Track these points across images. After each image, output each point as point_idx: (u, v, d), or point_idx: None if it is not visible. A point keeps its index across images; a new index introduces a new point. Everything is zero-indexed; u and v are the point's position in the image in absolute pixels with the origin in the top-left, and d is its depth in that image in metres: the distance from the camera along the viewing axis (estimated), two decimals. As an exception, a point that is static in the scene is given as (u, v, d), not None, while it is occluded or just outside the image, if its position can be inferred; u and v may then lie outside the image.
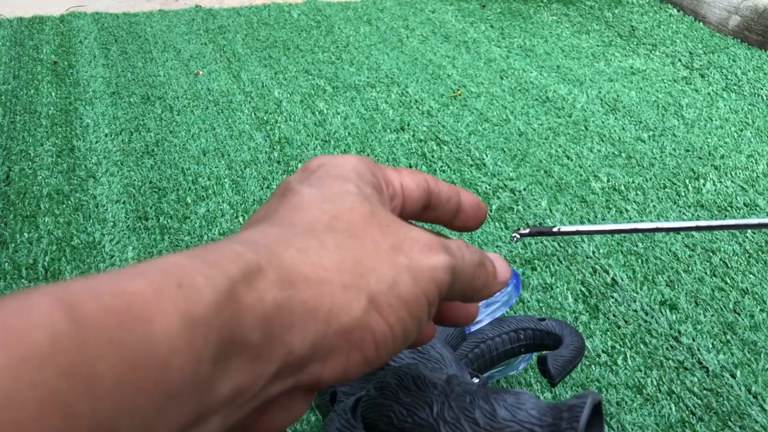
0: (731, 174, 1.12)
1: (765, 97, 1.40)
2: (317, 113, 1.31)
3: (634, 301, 0.83)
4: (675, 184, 1.09)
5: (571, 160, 1.16)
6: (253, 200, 1.03)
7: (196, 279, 0.18)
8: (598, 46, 1.68)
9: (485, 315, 0.60)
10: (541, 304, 0.83)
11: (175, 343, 0.17)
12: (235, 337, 0.19)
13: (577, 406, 0.36)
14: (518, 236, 0.44)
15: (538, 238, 0.95)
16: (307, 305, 0.21)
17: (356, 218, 0.25)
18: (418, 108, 1.34)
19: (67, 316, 0.15)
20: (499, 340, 0.58)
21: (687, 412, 0.69)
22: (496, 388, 0.41)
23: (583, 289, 0.85)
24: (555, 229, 0.37)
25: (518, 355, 0.61)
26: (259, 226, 0.24)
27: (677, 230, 0.34)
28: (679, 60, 1.59)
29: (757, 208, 1.03)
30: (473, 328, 0.58)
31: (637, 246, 0.94)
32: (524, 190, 1.06)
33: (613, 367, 0.74)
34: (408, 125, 1.27)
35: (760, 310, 0.83)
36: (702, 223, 0.33)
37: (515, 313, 0.82)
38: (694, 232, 0.97)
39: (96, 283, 0.17)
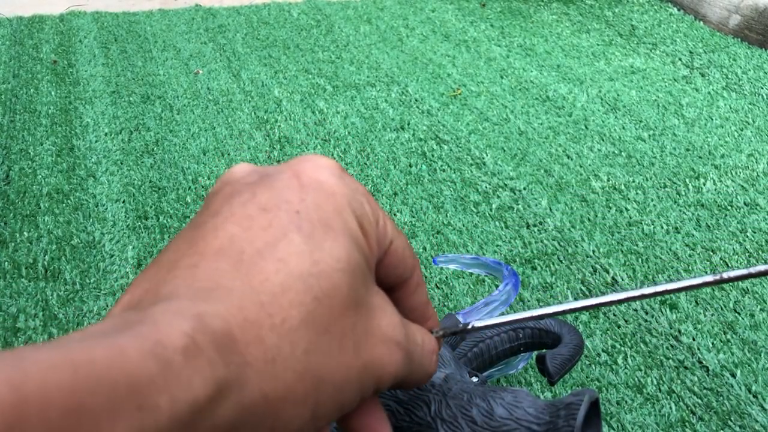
0: (731, 173, 1.12)
1: (765, 97, 1.40)
2: (317, 112, 1.31)
3: (634, 301, 0.83)
4: (675, 183, 1.09)
5: (572, 160, 1.16)
6: (253, 199, 1.03)
7: (160, 401, 0.16)
8: (598, 45, 1.67)
9: (484, 314, 0.59)
10: (541, 303, 0.83)
11: None
12: None
13: (574, 403, 0.36)
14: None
15: (536, 234, 0.95)
16: (255, 426, 0.19)
17: (336, 305, 0.21)
18: (418, 107, 1.34)
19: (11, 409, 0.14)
20: (498, 339, 0.58)
21: (687, 412, 0.69)
22: (494, 387, 0.41)
23: (583, 288, 0.85)
24: (470, 326, 0.37)
25: (517, 354, 0.61)
26: (229, 292, 0.20)
27: (599, 306, 0.33)
28: (680, 59, 1.59)
29: (758, 207, 1.03)
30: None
31: (637, 245, 0.94)
32: (524, 189, 1.06)
33: (613, 367, 0.74)
34: (408, 124, 1.27)
35: (760, 309, 0.83)
36: (634, 293, 0.31)
37: (514, 311, 0.82)
38: (694, 232, 0.97)
39: (50, 374, 0.15)
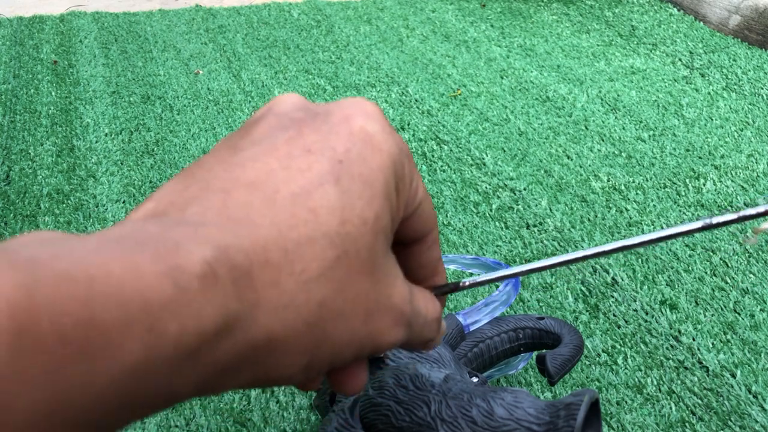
0: (731, 173, 1.12)
1: (765, 97, 1.40)
2: (317, 113, 1.31)
3: (635, 301, 0.83)
4: (675, 183, 1.09)
5: (572, 160, 1.16)
6: (253, 200, 1.03)
7: (170, 326, 0.16)
8: (598, 45, 1.67)
9: (484, 314, 0.59)
10: (541, 304, 0.83)
11: (126, 382, 0.16)
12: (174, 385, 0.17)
13: (574, 403, 0.36)
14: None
15: (536, 234, 0.95)
16: (252, 366, 0.19)
17: (354, 267, 0.21)
18: (418, 107, 1.34)
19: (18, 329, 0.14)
20: (498, 340, 0.58)
21: (687, 412, 0.69)
22: (494, 387, 0.41)
23: (583, 288, 0.85)
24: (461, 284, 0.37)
25: (518, 354, 0.61)
26: (256, 229, 0.20)
27: (581, 260, 0.33)
28: (680, 59, 1.59)
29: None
30: (472, 328, 0.58)
31: (637, 245, 0.94)
32: (524, 189, 1.06)
33: (614, 367, 0.74)
34: (408, 125, 1.27)
35: (760, 309, 0.83)
36: (616, 244, 0.31)
37: (515, 312, 0.82)
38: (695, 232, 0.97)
39: (63, 282, 0.15)
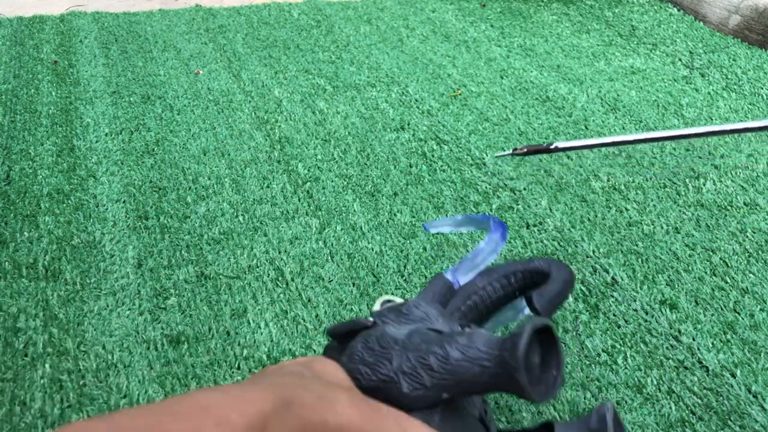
0: (731, 173, 1.12)
1: (765, 97, 1.40)
2: (317, 112, 1.31)
3: (634, 301, 0.83)
4: (675, 183, 1.09)
5: (572, 160, 1.16)
6: (253, 200, 1.03)
7: None
8: (598, 45, 1.67)
9: (472, 266, 0.57)
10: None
11: None
12: None
13: (519, 334, 0.37)
14: (514, 154, 0.46)
15: (536, 234, 0.95)
16: None
17: None
18: (418, 107, 1.34)
19: None
20: (490, 289, 0.57)
21: (687, 412, 0.69)
22: (455, 332, 0.41)
23: (583, 288, 0.85)
24: (552, 146, 0.39)
25: (514, 299, 0.60)
26: None
27: (684, 137, 0.36)
28: (680, 59, 1.59)
29: (758, 207, 1.03)
30: (462, 282, 0.57)
31: (637, 245, 0.94)
32: (524, 189, 1.06)
33: (613, 367, 0.74)
34: (408, 124, 1.27)
35: (760, 309, 0.83)
36: (701, 129, 0.35)
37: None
38: (694, 232, 0.97)
39: None
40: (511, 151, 0.45)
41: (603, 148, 0.99)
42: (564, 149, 0.39)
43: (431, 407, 0.41)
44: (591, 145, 0.36)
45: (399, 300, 0.56)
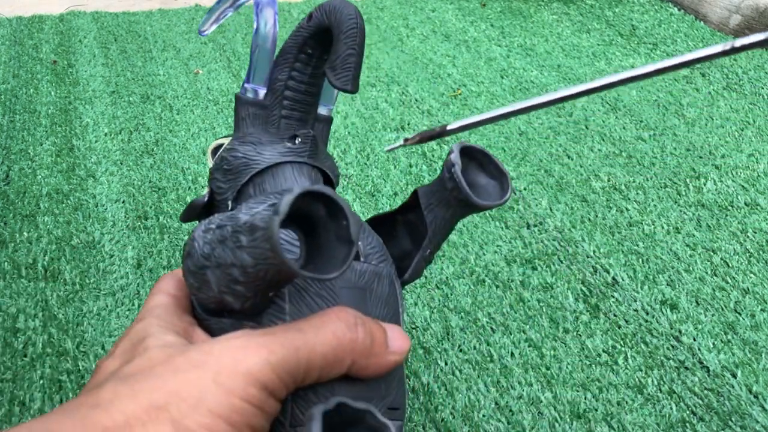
0: (732, 173, 1.12)
1: (766, 96, 1.40)
2: (317, 112, 1.31)
3: (635, 301, 0.83)
4: (676, 183, 1.09)
5: (572, 160, 1.15)
6: (253, 199, 1.03)
7: None
8: (598, 45, 1.67)
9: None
10: (541, 304, 0.83)
11: None
12: None
13: (285, 192, 0.32)
14: (406, 144, 0.42)
15: (536, 234, 0.95)
16: None
17: (155, 363, 0.26)
18: (418, 107, 1.34)
19: None
20: (296, 75, 0.44)
21: (688, 412, 0.69)
22: (238, 221, 0.33)
23: (583, 288, 0.85)
24: (447, 129, 0.36)
25: (304, 53, 0.44)
26: (56, 412, 0.25)
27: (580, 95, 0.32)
28: (680, 59, 1.59)
29: (758, 208, 1.03)
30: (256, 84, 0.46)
31: (637, 245, 0.93)
32: (524, 189, 1.06)
33: (614, 367, 0.74)
34: (408, 124, 1.27)
35: (761, 309, 0.82)
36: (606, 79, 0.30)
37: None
38: (695, 232, 0.97)
39: None
40: (402, 142, 0.42)
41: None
42: (458, 129, 0.37)
43: (279, 297, 0.35)
44: (486, 120, 0.34)
45: (226, 142, 0.46)
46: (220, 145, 0.46)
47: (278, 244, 0.28)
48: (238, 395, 0.24)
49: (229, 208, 0.43)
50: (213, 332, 0.36)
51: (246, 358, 0.25)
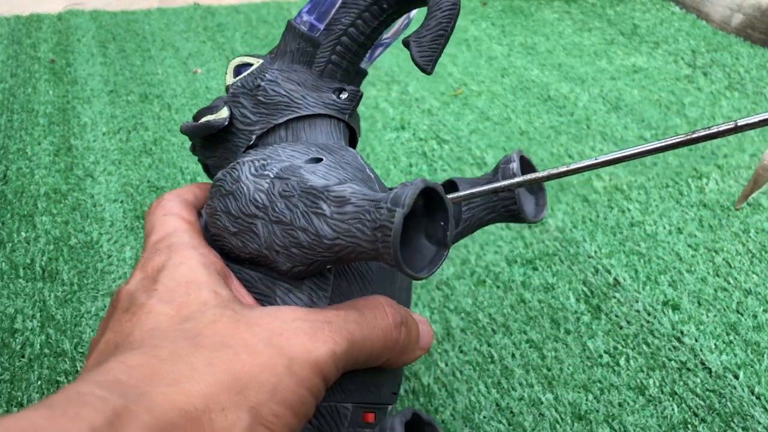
0: (734, 173, 1.11)
1: None
2: (317, 111, 1.30)
3: (637, 302, 0.83)
4: (677, 183, 1.08)
5: (573, 159, 1.15)
6: (252, 199, 1.02)
7: None
8: (600, 44, 1.67)
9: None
10: (542, 305, 0.82)
11: None
12: None
13: (396, 204, 0.29)
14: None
15: (537, 234, 0.94)
16: None
17: (221, 329, 0.23)
18: (418, 106, 1.34)
19: None
20: (360, 23, 0.44)
21: (689, 413, 0.68)
22: (323, 191, 0.32)
23: (585, 289, 0.85)
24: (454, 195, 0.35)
25: (391, 24, 0.47)
26: (118, 357, 0.22)
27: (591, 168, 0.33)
28: (682, 58, 1.58)
29: (761, 208, 1.02)
30: (322, 24, 0.43)
31: (639, 246, 0.93)
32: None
33: (615, 368, 0.73)
34: (408, 124, 1.27)
35: (763, 310, 0.82)
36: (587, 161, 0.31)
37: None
38: (697, 233, 0.96)
39: None
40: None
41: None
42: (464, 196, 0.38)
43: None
44: (545, 177, 0.36)
45: (255, 63, 0.42)
46: (244, 64, 0.42)
47: (398, 240, 0.26)
48: (305, 386, 0.23)
49: (251, 142, 0.39)
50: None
51: (315, 347, 0.24)
